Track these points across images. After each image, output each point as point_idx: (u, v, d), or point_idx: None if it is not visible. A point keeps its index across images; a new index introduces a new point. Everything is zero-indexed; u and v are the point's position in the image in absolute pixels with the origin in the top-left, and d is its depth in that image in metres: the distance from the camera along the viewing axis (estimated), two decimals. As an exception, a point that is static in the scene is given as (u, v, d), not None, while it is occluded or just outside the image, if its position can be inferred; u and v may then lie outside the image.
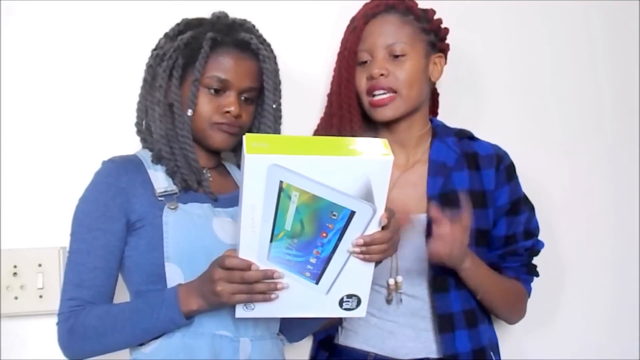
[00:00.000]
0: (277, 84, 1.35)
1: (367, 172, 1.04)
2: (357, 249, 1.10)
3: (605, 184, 1.86)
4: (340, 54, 1.48)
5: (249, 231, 1.07)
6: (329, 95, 1.51)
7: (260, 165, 1.01)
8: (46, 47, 1.55)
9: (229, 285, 1.10)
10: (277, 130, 1.37)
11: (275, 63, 1.35)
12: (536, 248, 1.52)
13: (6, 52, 1.52)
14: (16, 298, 1.51)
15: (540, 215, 1.55)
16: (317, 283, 1.14)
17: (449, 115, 1.57)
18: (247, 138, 1.03)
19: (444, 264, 1.34)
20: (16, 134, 1.53)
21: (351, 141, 1.06)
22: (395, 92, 1.41)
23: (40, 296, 1.51)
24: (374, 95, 1.42)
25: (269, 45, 1.36)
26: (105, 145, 1.51)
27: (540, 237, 1.53)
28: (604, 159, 1.86)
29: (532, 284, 1.54)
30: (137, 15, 1.58)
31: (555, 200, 1.79)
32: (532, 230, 1.51)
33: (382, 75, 1.40)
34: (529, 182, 1.55)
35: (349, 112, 1.44)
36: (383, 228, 1.11)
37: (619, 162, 1.87)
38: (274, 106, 1.34)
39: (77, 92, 1.56)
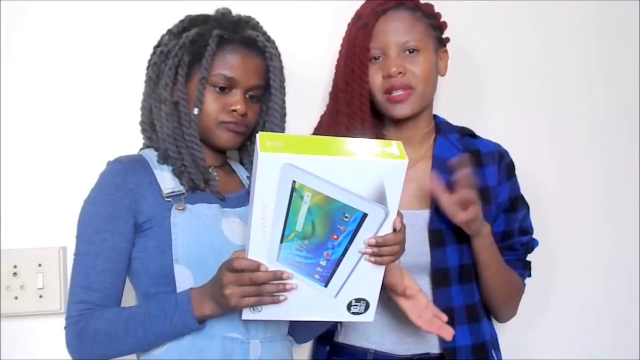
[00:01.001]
0: (282, 81, 1.35)
1: (381, 174, 1.04)
2: (369, 250, 1.10)
3: (599, 182, 1.88)
4: (348, 51, 1.46)
5: (260, 231, 1.07)
6: (334, 93, 1.50)
7: (273, 164, 1.01)
8: (45, 46, 1.54)
9: (237, 288, 1.09)
10: (283, 128, 1.37)
11: (280, 60, 1.35)
12: (531, 245, 1.54)
13: (6, 52, 1.51)
14: (16, 298, 1.50)
15: (538, 211, 1.57)
16: (326, 286, 1.15)
17: (447, 115, 1.59)
18: (260, 136, 1.03)
19: (469, 230, 1.36)
20: (16, 134, 1.52)
21: (365, 142, 1.07)
22: (412, 88, 1.40)
23: (40, 296, 1.51)
24: (390, 92, 1.41)
25: (274, 42, 1.36)
26: (106, 145, 1.52)
27: (535, 235, 1.55)
28: (601, 158, 1.88)
29: (529, 281, 1.55)
30: (137, 12, 1.57)
31: (552, 198, 1.82)
32: (526, 228, 1.53)
33: (400, 73, 1.39)
34: (528, 180, 1.57)
35: (361, 110, 1.43)
36: (394, 230, 1.11)
37: (607, 156, 1.89)
38: (281, 104, 1.34)
39: (76, 92, 1.55)
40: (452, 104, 1.69)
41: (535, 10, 1.84)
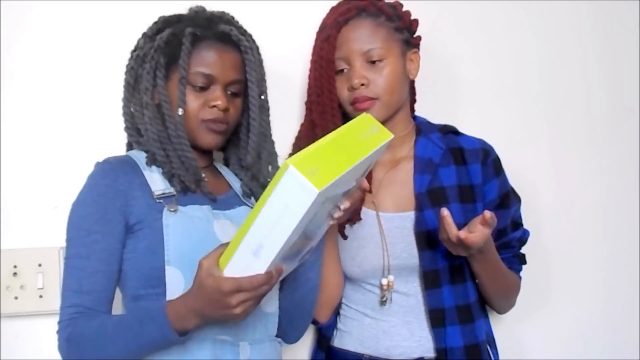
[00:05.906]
0: (261, 74, 1.33)
1: (374, 156, 1.10)
2: (341, 213, 1.13)
3: (598, 182, 1.87)
4: (315, 63, 1.45)
5: (276, 251, 1.01)
6: (308, 104, 1.49)
7: (319, 195, 0.93)
8: (47, 47, 1.54)
9: (247, 304, 1.07)
10: (263, 121, 1.35)
11: (259, 54, 1.33)
12: (524, 238, 1.54)
13: (6, 52, 1.52)
14: (16, 298, 1.51)
15: (528, 207, 1.56)
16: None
17: (431, 113, 1.56)
18: (297, 166, 0.92)
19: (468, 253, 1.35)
20: (16, 134, 1.52)
21: (353, 129, 1.09)
22: (374, 99, 1.39)
23: (40, 296, 1.51)
24: (355, 104, 1.41)
25: (250, 36, 1.34)
26: (106, 145, 1.50)
27: (533, 235, 1.55)
28: (600, 158, 1.87)
29: (528, 282, 1.55)
30: (137, 12, 1.56)
31: (541, 193, 1.80)
32: (517, 220, 1.52)
33: (362, 85, 1.39)
34: (527, 181, 1.57)
35: (333, 122, 1.41)
36: None
37: (604, 156, 1.88)
38: (262, 97, 1.32)
39: (77, 92, 1.55)
40: (450, 105, 1.67)
41: (533, 10, 1.81)
